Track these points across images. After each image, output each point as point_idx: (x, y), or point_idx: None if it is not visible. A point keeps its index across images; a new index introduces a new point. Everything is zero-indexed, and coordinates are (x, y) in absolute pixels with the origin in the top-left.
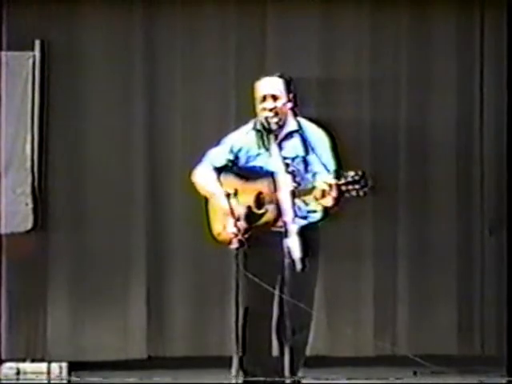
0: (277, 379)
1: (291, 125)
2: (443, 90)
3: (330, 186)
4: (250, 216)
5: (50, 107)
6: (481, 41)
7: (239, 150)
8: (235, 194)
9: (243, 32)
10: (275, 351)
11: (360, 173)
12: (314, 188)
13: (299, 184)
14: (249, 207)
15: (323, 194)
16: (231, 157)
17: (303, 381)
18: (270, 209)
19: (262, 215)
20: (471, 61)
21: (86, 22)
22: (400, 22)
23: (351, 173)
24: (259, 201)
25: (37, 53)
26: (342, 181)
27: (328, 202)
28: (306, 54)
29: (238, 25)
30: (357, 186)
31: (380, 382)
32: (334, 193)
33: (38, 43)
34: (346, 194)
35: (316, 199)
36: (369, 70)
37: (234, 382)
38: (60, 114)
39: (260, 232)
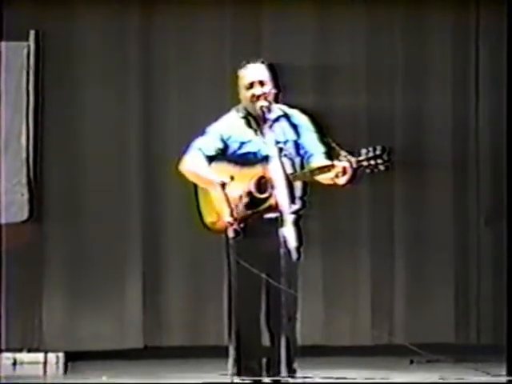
0: (276, 378)
1: (276, 110)
2: (439, 76)
3: (350, 162)
4: (251, 201)
5: (46, 98)
6: (476, 29)
7: (228, 138)
8: (232, 179)
9: (238, 20)
10: (266, 342)
11: (380, 147)
12: (313, 171)
13: (295, 168)
14: (249, 193)
15: (344, 172)
16: (221, 145)
17: (300, 380)
18: (274, 193)
19: (265, 200)
20: (467, 48)
21: (82, 12)
22: (396, 8)
23: (364, 150)
24: (261, 185)
25: (31, 43)
26: (363, 156)
27: (343, 180)
28: (301, 42)
29: (234, 13)
30: (379, 161)
31: (378, 382)
32: (351, 170)
33: (32, 33)
34: (367, 170)
35: (337, 177)
36: (365, 58)
37: (234, 381)
38: (55, 105)
39: (258, 219)
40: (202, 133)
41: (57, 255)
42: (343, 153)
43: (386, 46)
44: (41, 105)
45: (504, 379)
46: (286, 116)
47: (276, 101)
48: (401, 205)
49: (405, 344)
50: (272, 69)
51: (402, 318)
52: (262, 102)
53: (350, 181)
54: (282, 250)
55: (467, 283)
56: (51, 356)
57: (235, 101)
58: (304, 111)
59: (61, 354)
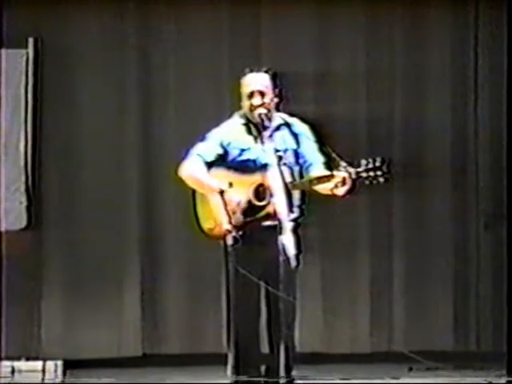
0: (273, 379)
1: (277, 119)
2: (438, 81)
3: (349, 173)
4: (250, 209)
5: (44, 105)
6: (475, 30)
7: (228, 145)
8: (231, 186)
9: (237, 26)
10: (265, 349)
11: (380, 159)
12: (312, 181)
13: (294, 177)
14: (248, 200)
15: (343, 182)
16: (221, 151)
17: (298, 380)
18: (272, 201)
19: (263, 207)
20: (466, 52)
21: (80, 19)
22: (395, 14)
23: (364, 161)
24: (259, 193)
25: (30, 50)
26: (363, 168)
27: (342, 191)
28: (300, 48)
29: (232, 18)
30: (378, 173)
31: (373, 382)
32: (350, 181)
33: (31, 41)
34: (366, 181)
35: (336, 187)
36: (364, 63)
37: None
38: (54, 112)
39: (255, 228)
40: (202, 138)
41: (55, 263)
42: (343, 163)
43: (385, 51)
44: (39, 112)
45: (504, 380)
46: (287, 125)
47: (277, 109)
48: (400, 211)
49: (404, 351)
50: (275, 78)
51: (401, 325)
52: (261, 110)
53: (348, 192)
54: (280, 258)
55: (467, 290)
56: (50, 364)
57: (235, 106)
58: (304, 120)
59: (59, 362)
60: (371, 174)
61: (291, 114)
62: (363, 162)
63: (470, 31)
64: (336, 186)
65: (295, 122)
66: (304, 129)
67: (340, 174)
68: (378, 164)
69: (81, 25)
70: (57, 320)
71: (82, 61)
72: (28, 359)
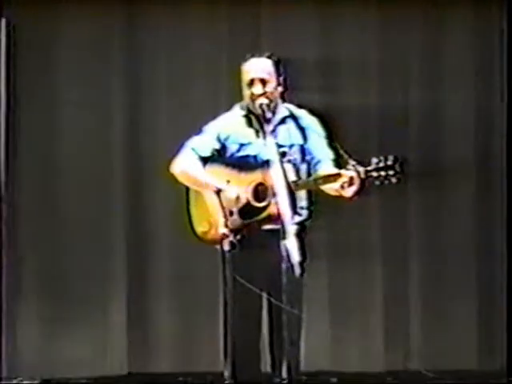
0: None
1: (282, 110)
2: (459, 71)
3: (358, 172)
4: (248, 210)
5: (18, 98)
6: (500, 18)
7: (226, 139)
8: (228, 184)
9: (236, 13)
10: (267, 366)
11: (392, 157)
12: (316, 180)
13: (299, 175)
14: (246, 200)
15: (351, 182)
16: (218, 146)
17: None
18: (274, 201)
19: (263, 209)
20: (490, 39)
21: (67, 9)
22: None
23: (375, 159)
24: (258, 193)
25: (2, 36)
26: (373, 166)
27: (349, 191)
28: (305, 35)
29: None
30: (390, 172)
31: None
32: (358, 181)
33: (3, 22)
34: (377, 182)
35: (342, 188)
36: (376, 52)
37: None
38: (29, 106)
39: (254, 232)
40: (199, 132)
41: (31, 273)
42: (351, 161)
43: (399, 37)
44: (13, 105)
45: (504, 380)
46: (293, 117)
47: (282, 100)
48: (416, 214)
49: (422, 371)
50: (279, 65)
51: (419, 341)
52: (262, 100)
53: (357, 193)
54: (283, 265)
55: (491, 302)
56: None
57: (232, 101)
58: (313, 112)
59: (36, 382)
60: (382, 173)
61: (299, 106)
62: (374, 160)
63: (494, 15)
64: (342, 187)
65: (303, 115)
66: (312, 122)
67: (347, 173)
68: (389, 163)
69: (68, 15)
70: (34, 335)
71: (66, 49)
72: (3, 379)
